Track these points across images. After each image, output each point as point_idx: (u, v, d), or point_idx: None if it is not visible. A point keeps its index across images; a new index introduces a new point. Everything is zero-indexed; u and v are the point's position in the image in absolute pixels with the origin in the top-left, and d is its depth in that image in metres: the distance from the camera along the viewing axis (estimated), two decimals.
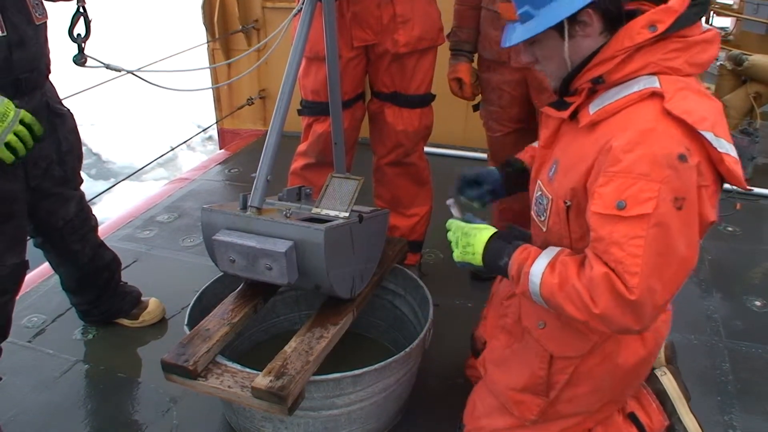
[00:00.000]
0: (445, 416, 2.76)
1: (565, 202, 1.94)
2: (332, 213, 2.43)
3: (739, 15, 8.81)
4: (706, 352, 3.23)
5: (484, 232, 2.11)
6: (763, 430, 2.80)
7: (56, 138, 2.81)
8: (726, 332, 3.39)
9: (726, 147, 1.77)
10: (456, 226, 2.19)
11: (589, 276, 1.78)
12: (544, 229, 2.08)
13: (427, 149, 3.56)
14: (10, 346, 2.82)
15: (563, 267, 1.86)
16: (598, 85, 1.87)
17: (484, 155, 3.79)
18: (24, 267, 2.75)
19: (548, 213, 2.05)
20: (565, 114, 1.95)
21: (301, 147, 3.45)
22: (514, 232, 2.13)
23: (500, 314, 2.44)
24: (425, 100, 3.32)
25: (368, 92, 3.41)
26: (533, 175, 2.21)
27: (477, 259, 2.11)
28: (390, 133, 3.32)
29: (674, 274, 1.77)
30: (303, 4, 2.58)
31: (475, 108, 3.61)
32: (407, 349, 2.42)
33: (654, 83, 1.78)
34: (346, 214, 2.41)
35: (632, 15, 1.84)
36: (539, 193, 2.10)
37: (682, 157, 1.69)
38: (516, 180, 2.45)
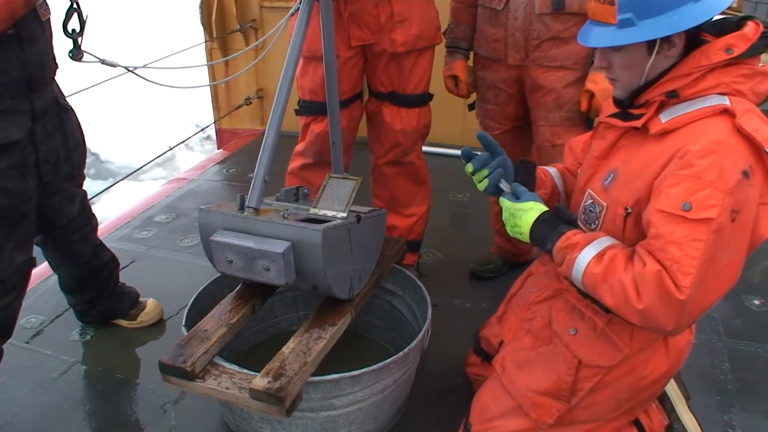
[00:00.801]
0: (443, 416, 2.76)
1: (626, 209, 1.99)
2: (330, 213, 2.42)
3: (738, 14, 8.80)
4: (706, 351, 3.23)
5: (530, 214, 2.13)
6: (762, 430, 2.79)
7: (64, 133, 2.81)
8: (725, 331, 3.39)
9: None
10: (505, 207, 2.20)
11: (640, 272, 1.82)
12: None
13: (425, 148, 3.55)
14: (8, 346, 2.82)
15: (611, 260, 1.90)
16: (671, 99, 1.92)
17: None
18: (31, 264, 2.75)
19: (601, 221, 2.09)
20: (639, 123, 1.99)
21: (299, 147, 3.44)
22: (560, 214, 2.13)
23: (526, 317, 2.43)
24: (423, 99, 3.31)
25: (366, 92, 3.40)
26: (581, 185, 2.25)
27: (526, 239, 2.15)
28: (388, 132, 3.32)
29: (714, 283, 1.83)
30: (300, 3, 2.57)
31: (471, 107, 3.61)
32: (406, 350, 2.42)
33: (725, 101, 1.86)
34: (344, 215, 2.40)
35: (700, 43, 1.94)
36: (590, 201, 2.15)
37: (745, 173, 1.77)
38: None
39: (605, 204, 2.07)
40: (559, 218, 2.11)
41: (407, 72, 3.20)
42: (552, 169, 2.50)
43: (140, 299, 3.47)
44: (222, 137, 6.84)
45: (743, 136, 1.80)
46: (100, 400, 2.97)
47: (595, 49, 2.05)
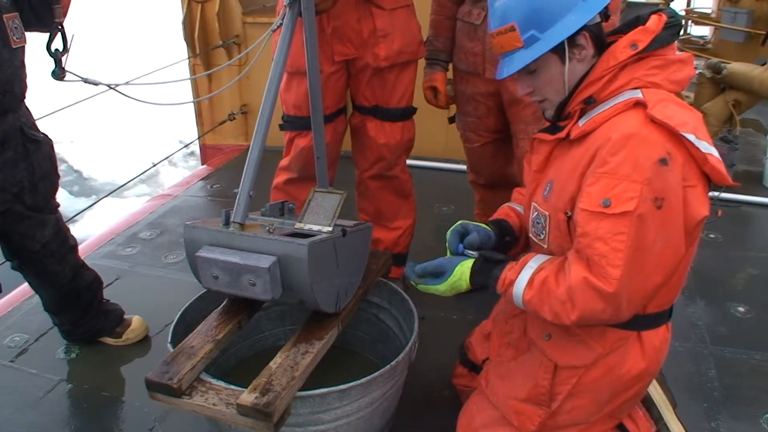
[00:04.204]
0: (432, 429, 2.76)
1: (566, 213, 2.05)
2: (315, 227, 2.42)
3: (717, 24, 8.92)
4: (692, 359, 3.25)
5: (462, 278, 2.20)
6: None
7: (29, 164, 2.79)
8: (711, 339, 3.41)
9: (709, 148, 1.90)
10: (441, 291, 2.26)
11: (569, 284, 1.92)
12: (546, 246, 2.18)
13: (409, 162, 3.56)
14: None
15: (541, 284, 2.02)
16: (589, 105, 2.01)
17: (465, 167, 3.80)
18: None
19: (548, 230, 2.15)
20: (563, 134, 2.08)
21: (284, 162, 3.45)
22: (488, 258, 2.22)
23: (505, 332, 2.48)
24: (407, 113, 3.33)
25: (350, 106, 3.41)
26: (527, 200, 2.31)
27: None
28: (372, 146, 3.33)
29: (652, 269, 1.91)
30: (283, 18, 2.58)
31: (451, 120, 3.62)
32: (393, 363, 2.41)
33: (637, 94, 1.93)
34: (330, 229, 2.40)
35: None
36: (535, 213, 2.21)
37: (663, 161, 1.83)
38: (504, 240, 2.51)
39: (547, 213, 2.14)
40: (489, 263, 2.20)
41: (390, 86, 3.21)
42: (518, 206, 2.57)
43: (125, 316, 3.45)
44: (206, 153, 6.83)
45: (658, 124, 1.86)
46: (87, 418, 2.95)
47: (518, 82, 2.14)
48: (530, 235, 2.28)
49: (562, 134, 2.07)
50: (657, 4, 7.56)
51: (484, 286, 2.18)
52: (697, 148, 1.87)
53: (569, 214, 2.03)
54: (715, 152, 1.92)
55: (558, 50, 1.98)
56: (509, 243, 2.48)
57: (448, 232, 2.40)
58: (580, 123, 2.01)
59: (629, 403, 2.32)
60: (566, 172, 2.04)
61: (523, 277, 2.07)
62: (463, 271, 2.20)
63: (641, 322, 2.11)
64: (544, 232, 2.17)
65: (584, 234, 1.90)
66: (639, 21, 2.06)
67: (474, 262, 2.20)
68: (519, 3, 1.99)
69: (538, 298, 2.01)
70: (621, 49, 1.97)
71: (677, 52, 2.03)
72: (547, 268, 2.04)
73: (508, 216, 2.52)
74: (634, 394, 2.27)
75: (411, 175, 3.59)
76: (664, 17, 2.01)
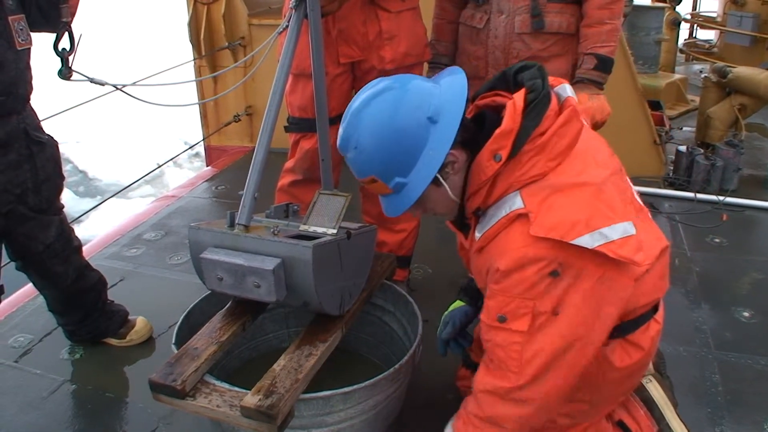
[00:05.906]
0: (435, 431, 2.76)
1: None
2: (320, 230, 2.42)
3: (723, 28, 8.91)
4: (696, 363, 3.24)
5: None
6: None
7: (33, 166, 2.79)
8: (715, 343, 3.40)
9: (609, 234, 1.81)
10: None
11: (474, 391, 2.10)
12: None
13: None
14: None
15: (464, 421, 2.16)
16: (479, 215, 2.00)
17: None
18: None
19: None
20: (467, 244, 2.12)
21: (289, 163, 3.44)
22: None
23: None
24: None
25: None
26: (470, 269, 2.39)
27: None
28: None
29: (562, 370, 1.93)
30: (289, 20, 2.58)
31: None
32: (397, 366, 2.41)
33: (518, 203, 1.86)
34: (334, 231, 2.40)
35: (483, 117, 1.98)
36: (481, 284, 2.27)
37: (554, 274, 1.81)
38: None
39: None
40: None
41: None
42: None
43: (129, 317, 3.46)
44: (211, 154, 6.84)
45: (543, 240, 1.79)
46: (90, 419, 2.95)
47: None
48: None
49: (467, 244, 2.12)
50: (662, 8, 7.54)
51: None
52: (593, 249, 1.77)
53: None
54: (617, 233, 1.81)
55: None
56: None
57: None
58: (477, 235, 2.00)
59: (622, 393, 2.33)
60: (476, 268, 2.11)
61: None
62: None
63: (626, 327, 2.09)
64: None
65: (487, 340, 1.99)
66: (506, 76, 2.00)
67: None
68: (368, 157, 1.93)
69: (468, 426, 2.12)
70: (486, 164, 1.88)
71: (562, 97, 1.95)
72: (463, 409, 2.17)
73: None
74: (628, 381, 2.27)
75: None
76: (520, 101, 1.87)
